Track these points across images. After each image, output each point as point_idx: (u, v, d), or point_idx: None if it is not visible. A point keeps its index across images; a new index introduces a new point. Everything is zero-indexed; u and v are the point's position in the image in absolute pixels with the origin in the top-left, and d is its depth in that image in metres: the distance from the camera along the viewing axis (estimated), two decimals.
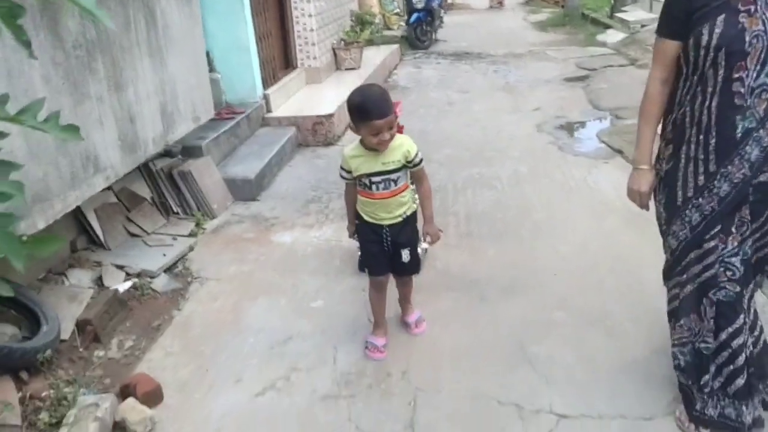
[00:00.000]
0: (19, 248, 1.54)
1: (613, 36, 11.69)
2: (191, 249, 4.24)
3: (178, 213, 4.70)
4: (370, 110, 2.58)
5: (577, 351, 2.97)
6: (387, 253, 2.91)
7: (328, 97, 7.22)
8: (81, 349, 3.12)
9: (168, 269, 3.94)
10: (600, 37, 12.04)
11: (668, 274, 2.48)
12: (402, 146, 2.74)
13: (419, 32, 12.18)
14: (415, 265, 3.01)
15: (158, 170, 4.67)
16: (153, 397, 2.72)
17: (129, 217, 4.29)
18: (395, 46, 11.08)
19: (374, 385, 2.83)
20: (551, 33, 13.67)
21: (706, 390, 2.36)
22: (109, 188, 3.98)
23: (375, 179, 2.75)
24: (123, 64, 3.84)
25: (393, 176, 2.75)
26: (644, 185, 2.41)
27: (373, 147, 2.68)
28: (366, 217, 2.89)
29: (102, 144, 3.62)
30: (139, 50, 4.04)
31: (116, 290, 3.52)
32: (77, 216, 3.87)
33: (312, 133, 6.44)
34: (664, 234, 2.44)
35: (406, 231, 2.90)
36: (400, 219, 2.85)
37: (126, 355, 3.15)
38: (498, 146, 6.08)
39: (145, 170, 4.59)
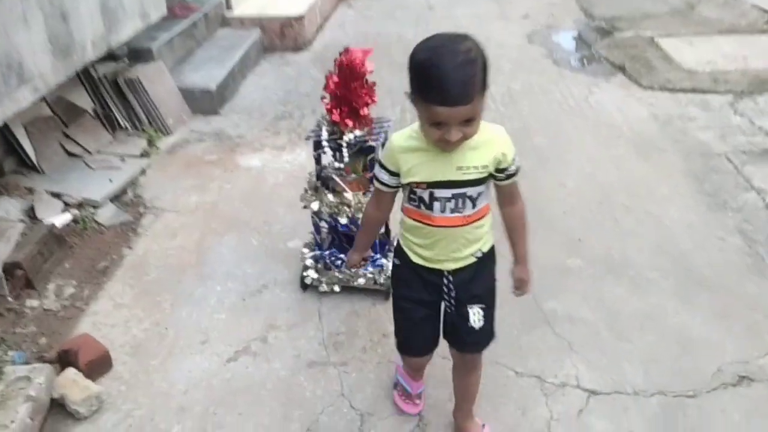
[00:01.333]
0: None
1: None
2: (143, 172, 3.67)
3: (126, 128, 4.07)
4: (432, 86, 1.42)
5: (598, 308, 2.59)
6: (444, 315, 1.84)
7: None
8: (10, 299, 2.61)
9: (115, 197, 3.40)
10: None
11: None
12: (493, 144, 1.61)
13: None
14: (488, 333, 1.86)
15: (101, 77, 3.98)
16: (99, 366, 2.25)
17: (67, 134, 3.66)
18: None
19: (369, 349, 2.40)
20: None
21: None
22: (41, 99, 3.32)
23: (441, 193, 1.62)
24: None
25: (472, 191, 1.62)
26: None
27: (433, 144, 1.56)
28: (413, 257, 1.77)
29: (27, 48, 2.94)
30: None
31: (52, 224, 2.97)
32: (3, 133, 3.23)
33: (280, 36, 5.73)
34: None
35: (483, 278, 1.79)
36: (473, 260, 1.75)
37: (66, 306, 2.63)
38: None
39: (85, 77, 3.90)
